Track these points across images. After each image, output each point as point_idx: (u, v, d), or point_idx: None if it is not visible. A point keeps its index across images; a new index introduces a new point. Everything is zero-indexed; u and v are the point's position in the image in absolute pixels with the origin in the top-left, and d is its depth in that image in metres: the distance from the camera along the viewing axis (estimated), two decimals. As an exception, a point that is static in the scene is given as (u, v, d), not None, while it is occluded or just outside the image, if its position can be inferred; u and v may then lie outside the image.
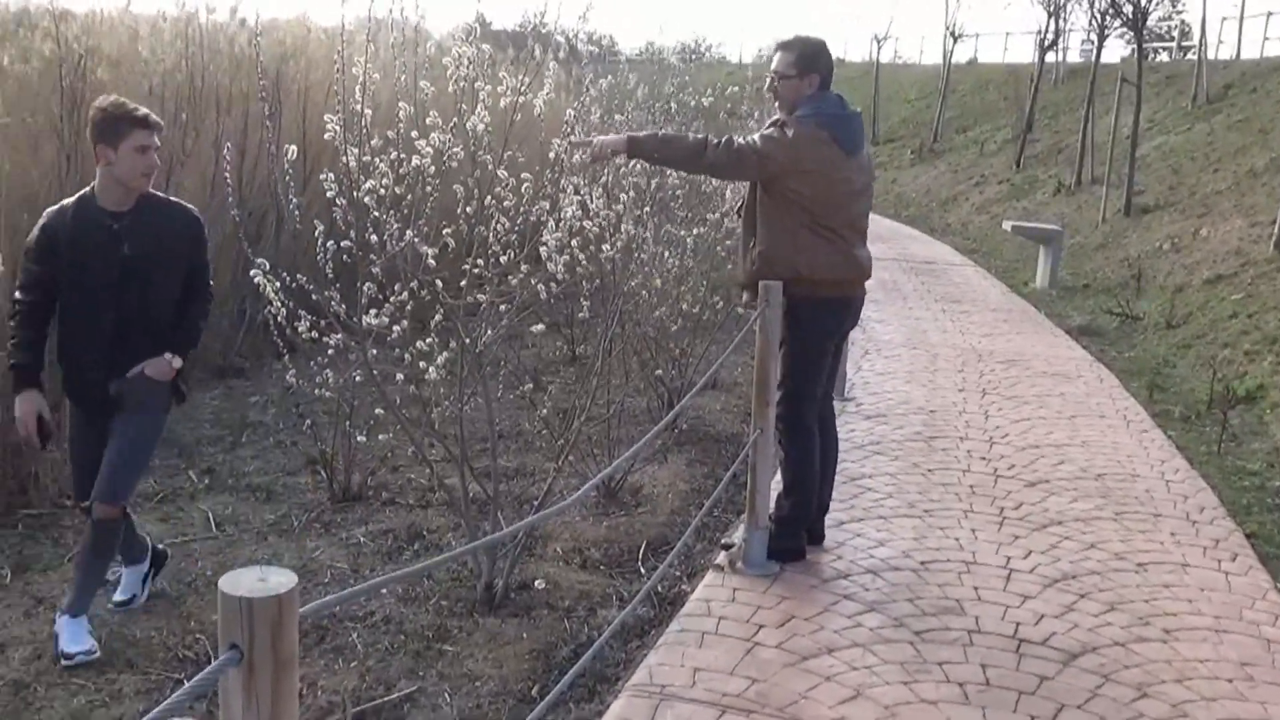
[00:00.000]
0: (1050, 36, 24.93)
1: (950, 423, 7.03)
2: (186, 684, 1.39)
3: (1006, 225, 15.61)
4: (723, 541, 4.84)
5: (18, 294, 3.81)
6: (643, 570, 4.68)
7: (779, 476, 4.75)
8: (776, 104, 4.68)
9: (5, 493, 5.06)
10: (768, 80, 4.69)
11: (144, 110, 3.76)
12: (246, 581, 1.41)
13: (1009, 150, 24.13)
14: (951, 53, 31.67)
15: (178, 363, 3.90)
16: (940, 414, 7.24)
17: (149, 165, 3.75)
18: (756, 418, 4.57)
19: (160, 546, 4.22)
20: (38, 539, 4.80)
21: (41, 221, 3.81)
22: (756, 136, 4.46)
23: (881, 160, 29.36)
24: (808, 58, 4.55)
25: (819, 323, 4.58)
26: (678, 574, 4.65)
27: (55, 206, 3.85)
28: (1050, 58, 26.18)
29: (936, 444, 6.52)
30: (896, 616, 4.19)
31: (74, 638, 3.77)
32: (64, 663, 3.70)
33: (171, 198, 4.00)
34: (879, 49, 35.74)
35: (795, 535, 4.66)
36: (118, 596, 4.07)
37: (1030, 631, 4.11)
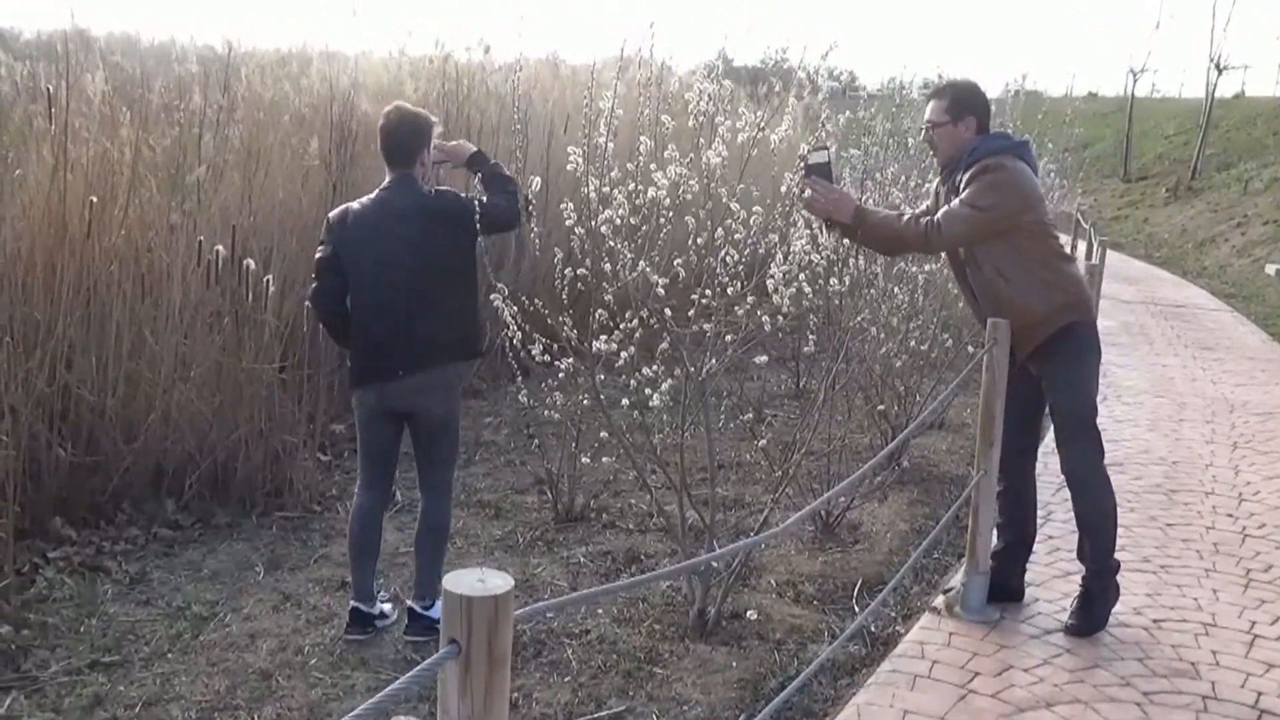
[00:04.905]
0: (1329, 68, 23.26)
1: (1195, 476, 6.65)
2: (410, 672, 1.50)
3: (1270, 269, 14.65)
4: (944, 587, 4.75)
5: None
6: (856, 608, 4.64)
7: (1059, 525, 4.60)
8: (934, 155, 4.54)
9: (263, 495, 5.48)
10: (923, 131, 4.56)
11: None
12: (467, 582, 1.52)
13: (1276, 189, 22.61)
14: (1215, 85, 29.98)
15: None
16: (1184, 466, 6.85)
17: None
18: (980, 459, 4.46)
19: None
20: (288, 540, 5.18)
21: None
22: (965, 200, 4.22)
23: (1133, 199, 28.08)
24: (960, 102, 4.36)
25: (1096, 342, 4.43)
26: (892, 614, 4.59)
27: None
28: (1328, 91, 24.41)
29: (1178, 498, 6.18)
30: (1124, 675, 4.00)
31: None
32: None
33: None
34: (1135, 82, 34.14)
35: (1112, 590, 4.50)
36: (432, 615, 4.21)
37: (1274, 703, 3.84)
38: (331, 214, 4.20)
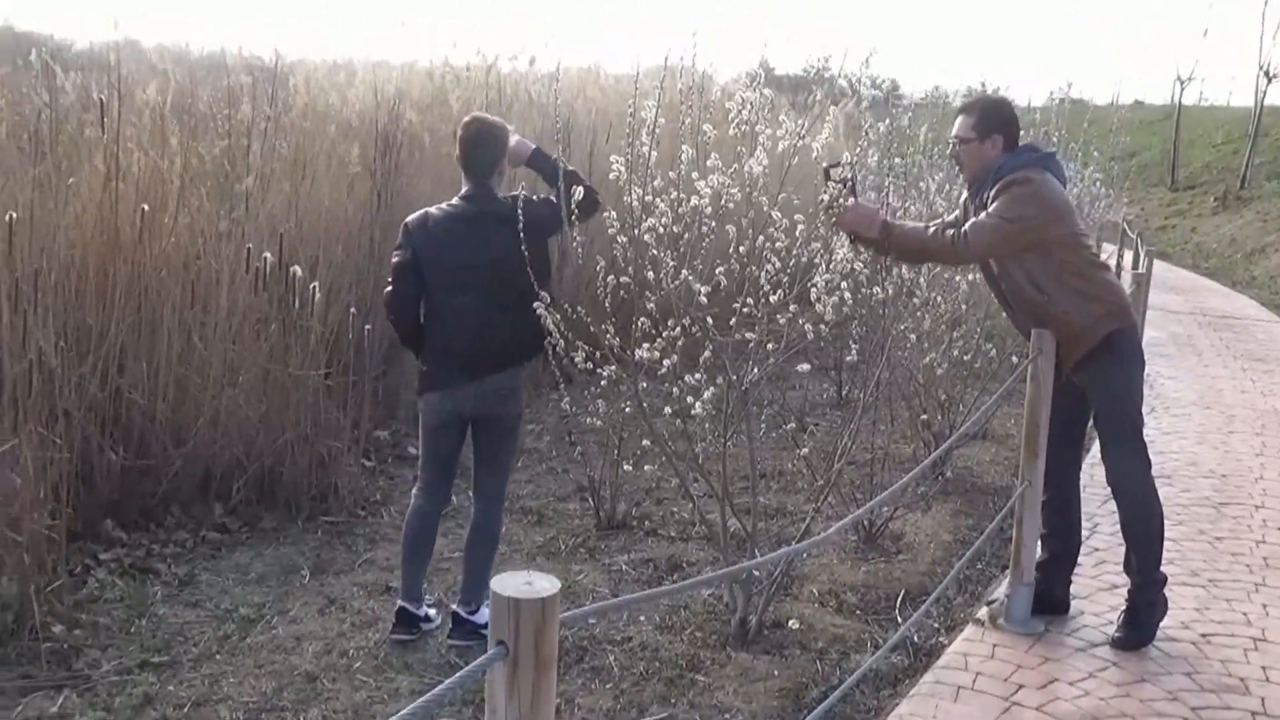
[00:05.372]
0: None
1: (1244, 489, 6.56)
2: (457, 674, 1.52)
3: (1321, 280, 14.43)
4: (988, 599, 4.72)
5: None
6: (899, 618, 4.61)
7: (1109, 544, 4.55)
8: (959, 171, 4.53)
9: (309, 500, 5.54)
10: (950, 146, 4.53)
11: None
12: (514, 584, 1.54)
13: (1328, 199, 22.26)
14: (1265, 93, 29.53)
15: None
16: (1233, 479, 6.77)
17: None
18: (1025, 469, 4.43)
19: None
20: (334, 544, 5.24)
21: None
22: (992, 212, 4.20)
23: (1180, 208, 27.76)
24: (988, 118, 4.35)
25: (1139, 351, 4.42)
26: (935, 625, 4.56)
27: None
28: (1381, 99, 24.03)
29: (1227, 511, 6.10)
30: (1171, 690, 3.95)
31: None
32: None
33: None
34: (1182, 91, 33.70)
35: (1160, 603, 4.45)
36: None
37: (1325, 720, 3.80)
38: (410, 219, 4.24)
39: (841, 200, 4.25)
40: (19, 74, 6.11)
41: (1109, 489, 4.43)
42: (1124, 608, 4.41)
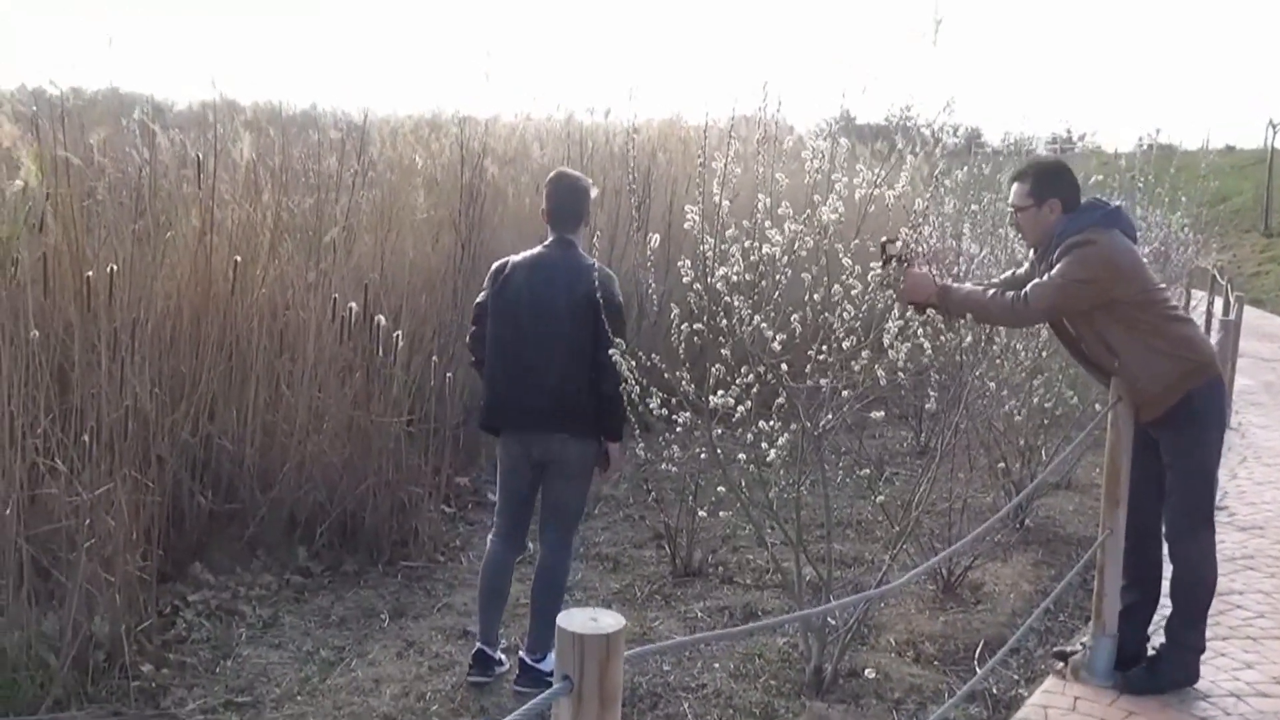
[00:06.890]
0: None
1: (1341, 541, 6.35)
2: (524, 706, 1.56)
3: None
4: (1055, 650, 4.64)
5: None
6: (978, 669, 4.54)
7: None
8: (1020, 237, 4.44)
9: (390, 545, 5.64)
10: (1009, 215, 4.44)
11: None
12: (580, 620, 1.58)
13: None
14: (1362, 137, 28.74)
15: None
16: (1330, 531, 6.56)
17: None
18: (1106, 518, 4.35)
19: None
20: (413, 589, 5.32)
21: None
22: (1055, 273, 4.10)
23: (1275, 254, 27.09)
24: (1042, 184, 4.24)
25: (1219, 409, 4.26)
26: (1015, 677, 4.49)
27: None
28: None
29: (1323, 563, 5.91)
30: (1261, 746, 3.84)
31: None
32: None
33: None
34: (1275, 134, 32.93)
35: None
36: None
37: None
38: (496, 263, 4.40)
39: (895, 274, 4.25)
40: (121, 134, 6.37)
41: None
42: (1150, 656, 4.32)
